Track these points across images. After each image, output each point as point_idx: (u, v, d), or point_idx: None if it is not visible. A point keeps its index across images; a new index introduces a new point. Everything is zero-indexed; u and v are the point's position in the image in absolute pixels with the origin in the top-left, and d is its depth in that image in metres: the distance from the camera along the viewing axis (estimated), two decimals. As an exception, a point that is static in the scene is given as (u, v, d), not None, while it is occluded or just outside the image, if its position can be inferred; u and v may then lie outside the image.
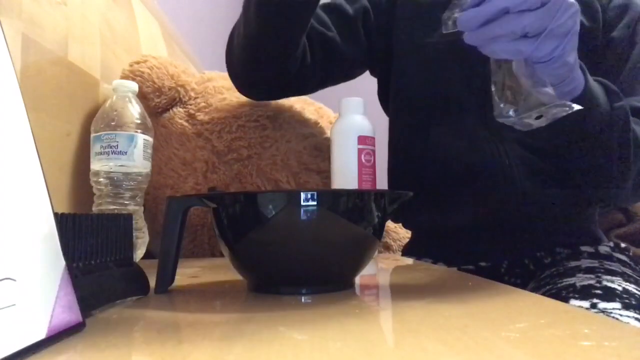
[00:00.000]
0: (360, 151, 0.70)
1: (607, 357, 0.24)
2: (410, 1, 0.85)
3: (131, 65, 0.86)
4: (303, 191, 0.39)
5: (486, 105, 0.73)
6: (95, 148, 0.64)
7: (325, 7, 0.85)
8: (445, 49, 0.79)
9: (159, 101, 0.84)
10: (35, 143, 0.27)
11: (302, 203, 0.39)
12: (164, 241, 0.42)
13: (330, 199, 0.41)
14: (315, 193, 0.39)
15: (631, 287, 0.60)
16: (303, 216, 0.39)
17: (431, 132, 0.80)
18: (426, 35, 0.81)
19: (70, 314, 0.27)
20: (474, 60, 0.64)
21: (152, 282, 0.42)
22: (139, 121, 0.65)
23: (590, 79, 0.60)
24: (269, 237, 0.40)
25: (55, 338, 0.25)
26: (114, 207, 0.63)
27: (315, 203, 0.39)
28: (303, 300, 0.40)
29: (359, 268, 0.45)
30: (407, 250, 0.89)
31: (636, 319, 0.53)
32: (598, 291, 0.59)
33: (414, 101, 0.83)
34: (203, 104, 0.87)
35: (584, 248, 0.76)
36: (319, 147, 0.88)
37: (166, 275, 0.43)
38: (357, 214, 0.41)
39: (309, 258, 0.41)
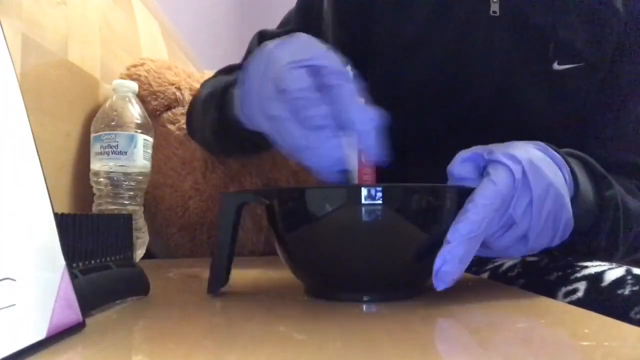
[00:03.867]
0: (360, 152, 0.69)
1: (607, 357, 0.24)
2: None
3: (128, 69, 0.86)
4: (364, 186, 0.36)
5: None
6: (95, 148, 0.64)
7: None
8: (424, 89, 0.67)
9: (156, 104, 0.84)
10: (35, 143, 0.27)
11: (364, 201, 0.35)
12: (218, 240, 0.40)
13: (400, 195, 0.37)
14: (380, 189, 0.36)
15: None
16: (365, 217, 0.36)
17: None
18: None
19: (70, 314, 0.27)
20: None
21: (152, 282, 0.42)
22: (139, 121, 0.65)
23: (578, 174, 0.47)
24: (327, 238, 0.37)
25: (55, 338, 0.25)
26: (114, 207, 0.63)
27: (380, 201, 0.35)
28: (364, 309, 0.37)
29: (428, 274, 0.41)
30: None
31: None
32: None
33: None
34: (202, 103, 0.87)
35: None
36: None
37: (219, 275, 0.40)
38: (431, 213, 0.38)
39: (374, 262, 0.37)
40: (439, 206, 0.37)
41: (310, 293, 0.41)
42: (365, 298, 0.38)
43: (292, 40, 0.44)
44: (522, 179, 0.39)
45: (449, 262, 0.36)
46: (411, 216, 0.37)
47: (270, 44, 0.44)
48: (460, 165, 0.42)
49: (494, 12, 0.64)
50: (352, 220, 0.36)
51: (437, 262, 0.36)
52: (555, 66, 0.64)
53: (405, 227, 0.37)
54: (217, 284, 0.40)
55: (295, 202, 0.38)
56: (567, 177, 0.45)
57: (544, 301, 0.40)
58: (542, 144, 0.44)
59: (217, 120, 0.65)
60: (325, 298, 0.39)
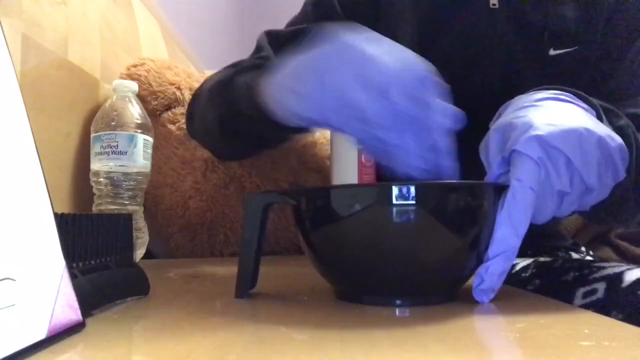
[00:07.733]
0: (360, 151, 0.70)
1: (607, 357, 0.24)
2: None
3: (128, 69, 0.86)
4: (396, 185, 0.33)
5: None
6: (95, 148, 0.64)
7: None
8: None
9: (156, 104, 0.85)
10: (35, 143, 0.27)
11: (395, 201, 0.33)
12: (244, 241, 0.39)
13: (435, 194, 0.35)
14: (412, 187, 0.33)
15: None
16: (397, 217, 0.34)
17: None
18: None
19: (70, 314, 0.27)
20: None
21: (153, 282, 0.42)
22: (139, 121, 0.65)
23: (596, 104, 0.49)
24: (355, 239, 0.35)
25: (55, 338, 0.25)
26: (114, 207, 0.63)
27: (413, 201, 0.33)
28: (397, 313, 0.35)
29: (463, 277, 0.39)
30: None
31: None
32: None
33: None
34: (202, 103, 0.87)
35: (560, 253, 0.73)
36: (318, 144, 0.88)
37: (246, 278, 0.39)
38: (470, 213, 0.35)
39: (405, 265, 0.35)
40: (474, 205, 0.35)
41: (338, 296, 0.40)
42: (397, 302, 0.37)
43: (379, 40, 0.43)
44: (547, 152, 0.38)
45: (487, 280, 0.36)
46: (445, 215, 0.35)
47: (349, 37, 0.43)
48: (500, 164, 0.41)
49: (494, 4, 0.67)
50: (382, 221, 0.34)
51: (476, 280, 0.36)
52: (551, 52, 0.68)
53: (439, 228, 0.35)
54: (245, 287, 0.39)
55: (322, 202, 0.37)
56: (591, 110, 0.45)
57: (544, 301, 0.40)
58: (555, 91, 0.44)
59: (224, 109, 0.63)
60: (354, 302, 0.37)
